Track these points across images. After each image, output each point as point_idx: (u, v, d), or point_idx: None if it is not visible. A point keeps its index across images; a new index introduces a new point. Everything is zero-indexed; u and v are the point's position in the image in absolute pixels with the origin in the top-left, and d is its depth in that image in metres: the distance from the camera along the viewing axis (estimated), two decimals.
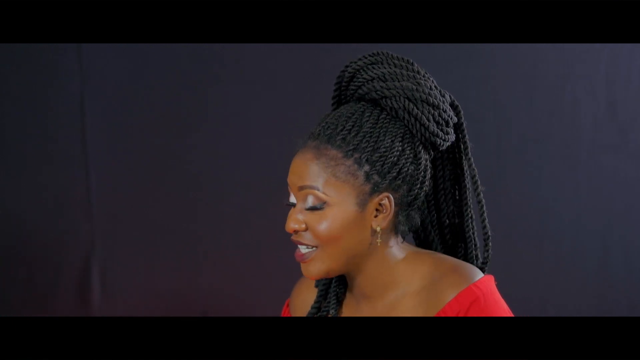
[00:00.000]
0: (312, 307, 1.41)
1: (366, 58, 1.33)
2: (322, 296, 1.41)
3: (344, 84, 1.35)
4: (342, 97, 1.36)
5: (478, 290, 1.26)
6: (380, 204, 1.28)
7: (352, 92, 1.33)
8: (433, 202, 1.39)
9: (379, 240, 1.29)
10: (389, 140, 1.28)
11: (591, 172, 2.38)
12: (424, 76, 1.33)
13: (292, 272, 2.30)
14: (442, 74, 2.37)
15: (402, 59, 1.33)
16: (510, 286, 2.35)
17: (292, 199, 1.30)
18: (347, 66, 1.34)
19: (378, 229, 1.28)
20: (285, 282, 2.10)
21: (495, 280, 1.32)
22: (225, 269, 2.26)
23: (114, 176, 2.22)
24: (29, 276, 2.22)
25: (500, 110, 2.34)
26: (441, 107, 1.31)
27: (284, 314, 1.49)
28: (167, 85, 2.22)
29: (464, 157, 1.38)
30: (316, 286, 1.43)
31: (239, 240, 2.26)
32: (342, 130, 1.27)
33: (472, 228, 1.40)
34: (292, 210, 1.29)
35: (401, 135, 1.29)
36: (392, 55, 1.34)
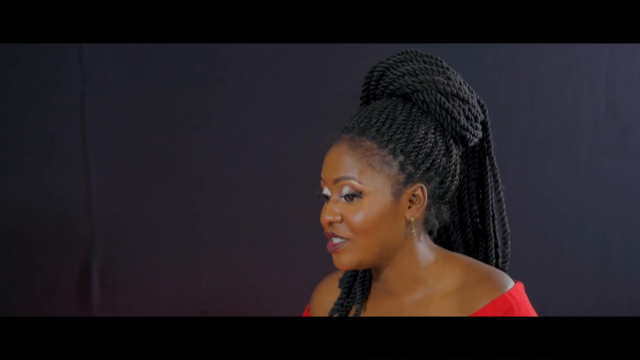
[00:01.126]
0: (335, 304, 1.42)
1: (395, 56, 1.36)
2: (346, 293, 1.42)
3: (373, 82, 1.37)
4: (371, 95, 1.38)
5: (512, 299, 1.28)
6: (413, 195, 1.29)
7: (382, 88, 1.35)
8: (456, 200, 1.41)
9: (413, 232, 1.31)
10: (423, 132, 1.29)
11: (592, 173, 2.38)
12: (453, 72, 1.36)
13: (293, 271, 2.30)
14: None
15: (431, 56, 1.37)
16: None
17: (326, 192, 1.31)
18: (375, 66, 1.37)
19: (412, 219, 1.30)
20: (286, 282, 2.11)
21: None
22: (226, 269, 2.26)
23: (114, 176, 2.22)
24: (29, 276, 2.21)
25: (500, 112, 2.34)
26: (470, 103, 1.34)
27: None
28: (168, 86, 2.22)
29: (487, 156, 1.40)
30: (339, 286, 1.43)
31: (240, 240, 2.26)
32: (375, 122, 1.29)
33: (494, 227, 1.41)
34: (328, 202, 1.30)
35: (433, 128, 1.31)
36: (420, 53, 1.37)
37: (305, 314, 1.49)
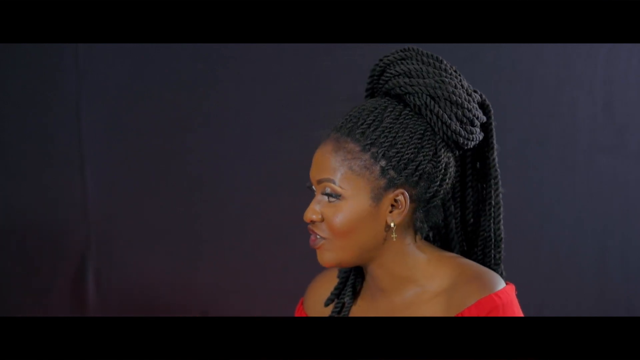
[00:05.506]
0: (331, 294, 1.43)
1: (397, 53, 1.36)
2: (342, 283, 1.43)
3: (375, 77, 1.37)
4: (375, 90, 1.38)
5: (498, 300, 1.28)
6: (395, 200, 1.29)
7: (380, 86, 1.35)
8: (459, 199, 1.40)
9: (394, 236, 1.31)
10: (407, 137, 1.29)
11: (589, 173, 2.38)
12: (451, 74, 1.34)
13: (293, 271, 2.30)
14: None
15: (432, 55, 1.36)
16: None
17: (314, 187, 1.33)
18: (380, 60, 1.37)
19: (392, 224, 1.30)
20: (286, 282, 2.11)
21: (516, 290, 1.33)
22: (226, 269, 2.26)
23: (110, 177, 2.22)
24: (24, 276, 2.21)
25: (498, 111, 2.33)
26: (465, 106, 1.32)
27: (297, 312, 1.49)
28: (164, 86, 2.22)
29: (489, 157, 1.39)
30: (338, 276, 1.44)
31: (239, 240, 2.26)
32: (362, 124, 1.29)
33: (492, 228, 1.41)
34: (312, 200, 1.32)
35: (422, 132, 1.30)
36: (422, 51, 1.36)
37: (298, 307, 1.50)
